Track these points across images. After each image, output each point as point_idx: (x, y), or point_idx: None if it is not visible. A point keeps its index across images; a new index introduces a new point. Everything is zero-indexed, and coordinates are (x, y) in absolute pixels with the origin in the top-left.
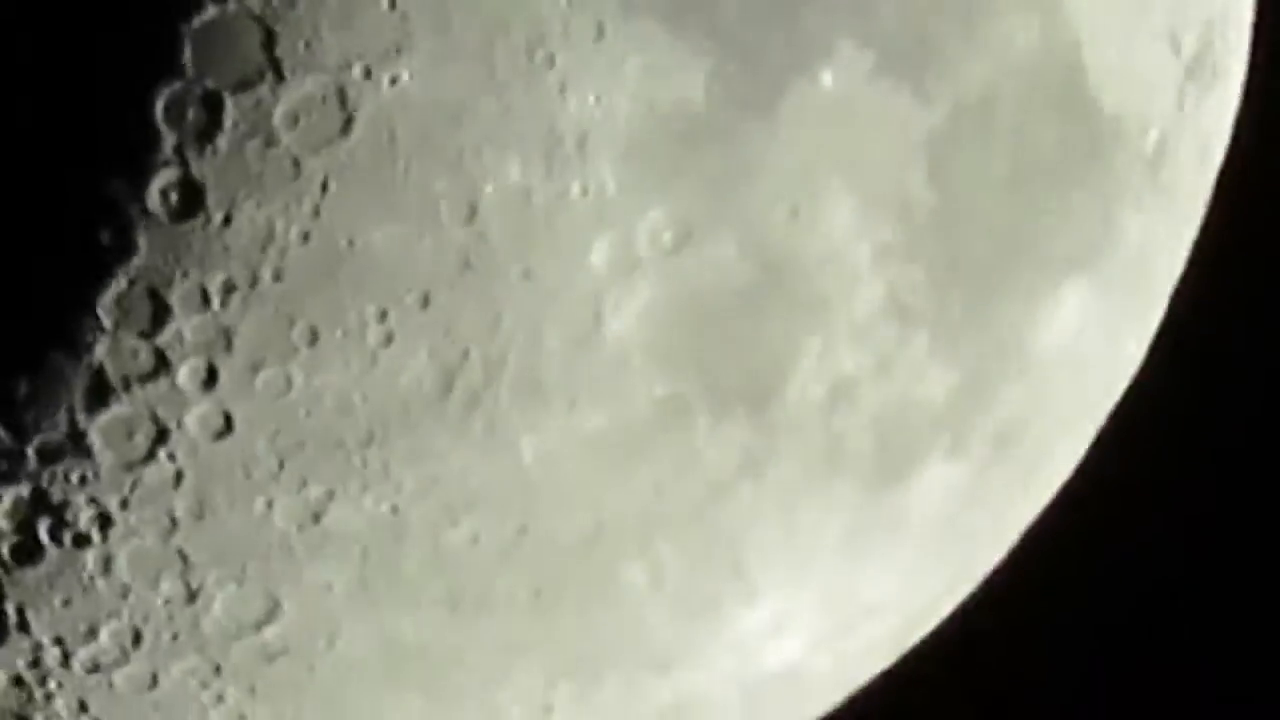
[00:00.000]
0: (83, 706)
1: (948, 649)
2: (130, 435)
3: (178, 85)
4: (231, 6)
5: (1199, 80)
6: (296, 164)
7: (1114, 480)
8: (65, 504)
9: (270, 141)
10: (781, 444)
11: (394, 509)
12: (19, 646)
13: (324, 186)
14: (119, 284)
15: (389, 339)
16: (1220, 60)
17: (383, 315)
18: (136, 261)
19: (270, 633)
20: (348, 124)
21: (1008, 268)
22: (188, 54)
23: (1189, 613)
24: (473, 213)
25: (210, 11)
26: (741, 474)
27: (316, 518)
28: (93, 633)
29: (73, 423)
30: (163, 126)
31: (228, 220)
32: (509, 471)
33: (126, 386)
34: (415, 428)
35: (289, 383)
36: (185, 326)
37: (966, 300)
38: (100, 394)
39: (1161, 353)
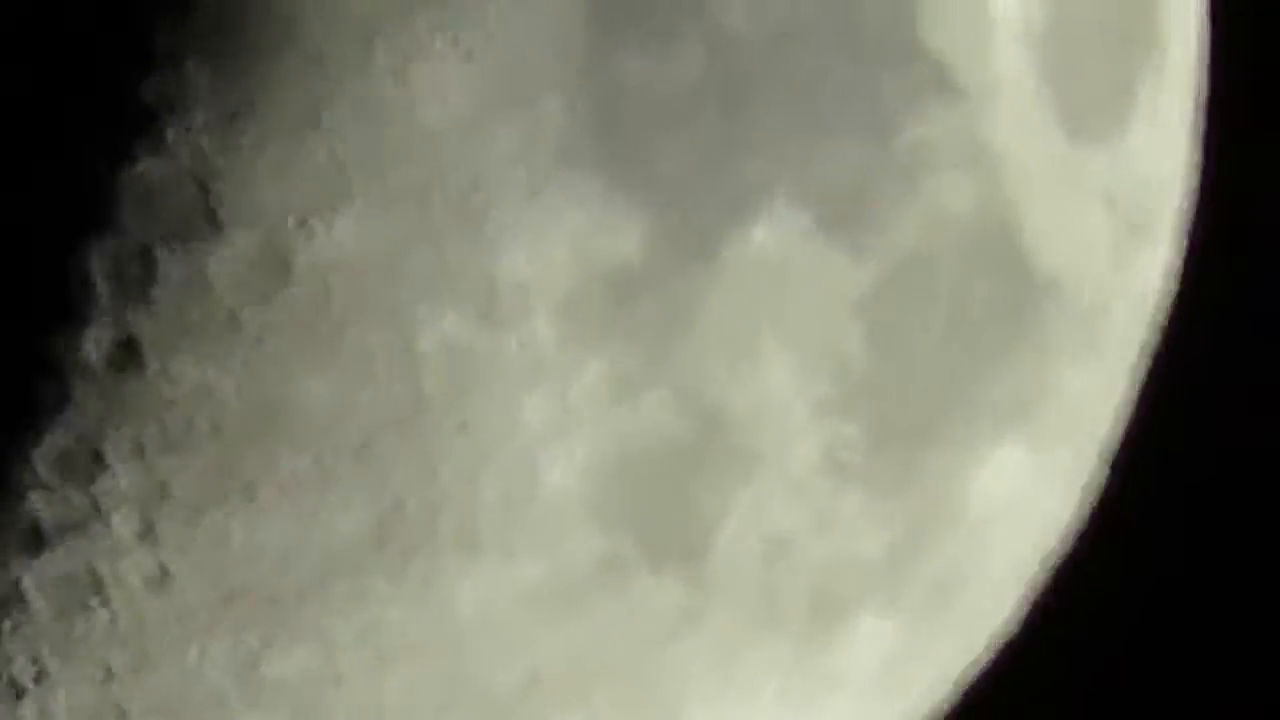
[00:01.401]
0: None
1: None
2: (67, 585)
3: (113, 240)
4: (166, 160)
5: (1136, 237)
6: (233, 317)
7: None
8: (3, 655)
9: (207, 295)
10: (717, 599)
11: (328, 658)
12: None
13: (259, 340)
14: (55, 436)
15: (325, 490)
16: (1157, 217)
17: (320, 466)
18: (72, 414)
19: None
20: (284, 278)
21: (944, 423)
22: (123, 208)
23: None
24: (409, 365)
25: (144, 165)
26: (678, 628)
27: (252, 667)
28: None
29: (8, 573)
30: (99, 280)
31: (164, 373)
32: (445, 621)
33: (62, 537)
34: (353, 577)
35: (226, 534)
36: (122, 478)
37: (903, 455)
38: (36, 544)
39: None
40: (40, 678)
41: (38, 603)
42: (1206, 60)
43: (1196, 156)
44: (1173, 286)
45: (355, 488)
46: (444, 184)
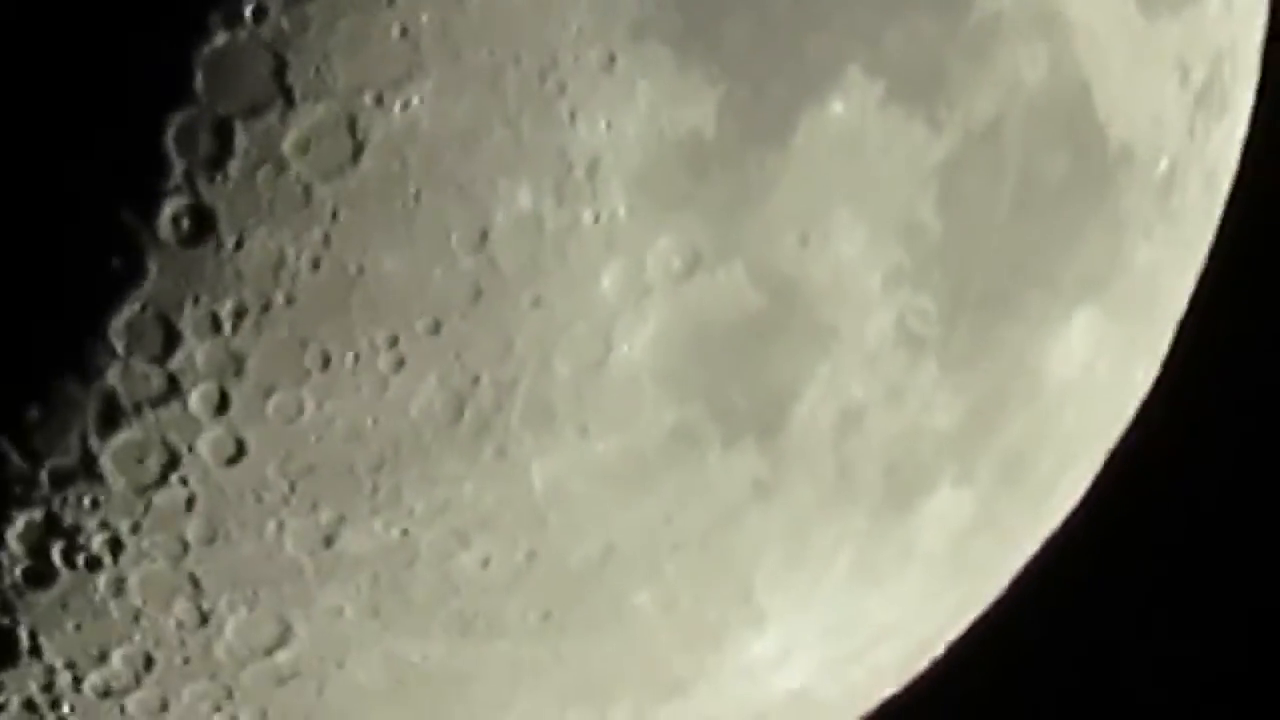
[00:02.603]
0: None
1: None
2: (142, 460)
3: (188, 112)
4: (242, 34)
5: (1208, 109)
6: (307, 191)
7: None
8: (77, 528)
9: (281, 168)
10: (790, 471)
11: (404, 533)
12: (31, 670)
13: (334, 214)
14: (130, 310)
15: (400, 365)
16: (1229, 89)
17: (394, 341)
18: (147, 287)
19: (282, 657)
20: (358, 151)
21: (1016, 294)
22: (199, 81)
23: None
24: (483, 240)
25: (221, 39)
26: (750, 500)
27: (328, 542)
28: (104, 657)
29: (85, 447)
30: (173, 153)
31: (239, 246)
32: (519, 496)
33: (138, 411)
34: (426, 453)
35: (300, 408)
36: (196, 351)
37: (977, 327)
38: (112, 419)
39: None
40: (115, 551)
41: (113, 477)
42: None
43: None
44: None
45: (429, 363)
46: (518, 60)
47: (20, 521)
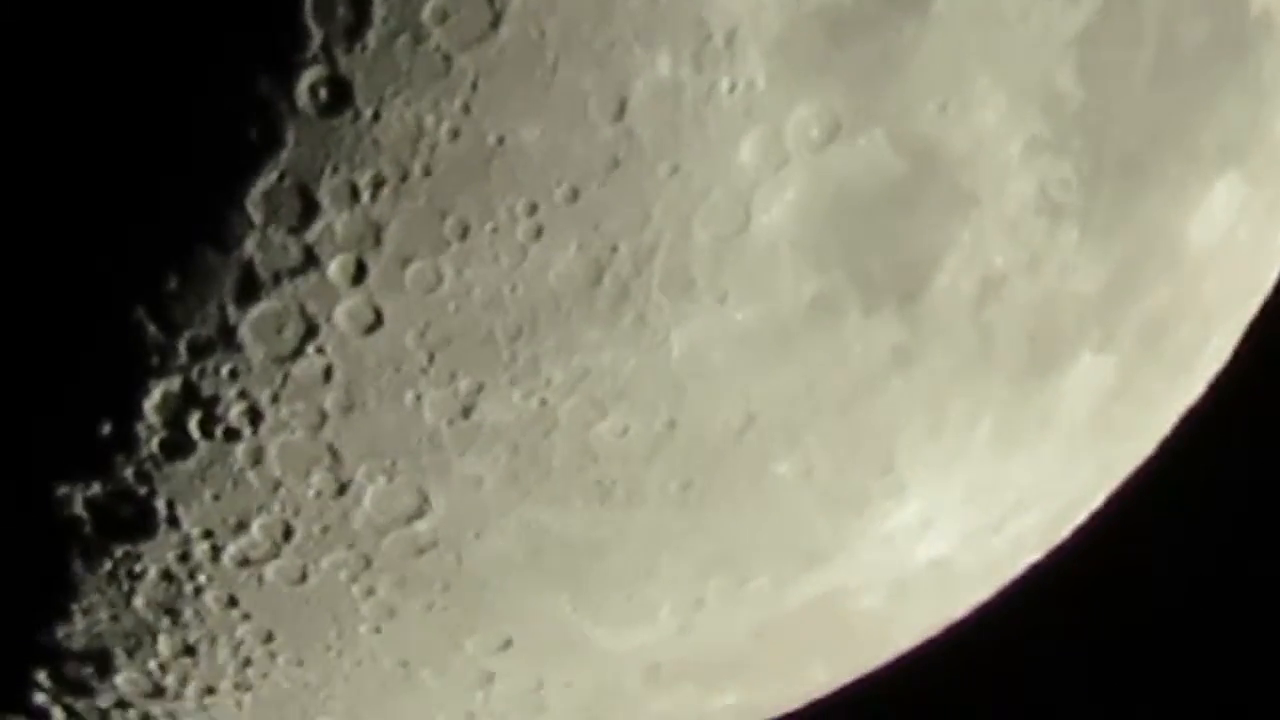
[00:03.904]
0: (232, 600)
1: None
2: (280, 330)
3: None
4: None
5: None
6: (446, 60)
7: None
8: (215, 398)
9: (419, 38)
10: (931, 338)
11: (543, 402)
12: (169, 540)
13: (473, 83)
14: (268, 180)
15: (538, 233)
16: None
17: (532, 209)
18: (285, 157)
19: (420, 526)
20: (496, 20)
21: (1156, 162)
22: None
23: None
24: (621, 109)
25: None
26: (891, 368)
27: (466, 412)
28: (243, 526)
29: (223, 318)
30: (311, 23)
31: (377, 116)
32: (658, 364)
33: (276, 281)
34: (564, 321)
35: (438, 277)
36: (335, 222)
37: (1116, 194)
38: (250, 289)
39: None
40: (255, 421)
41: (252, 348)
42: None
43: None
44: None
45: (568, 232)
46: None
47: (157, 392)
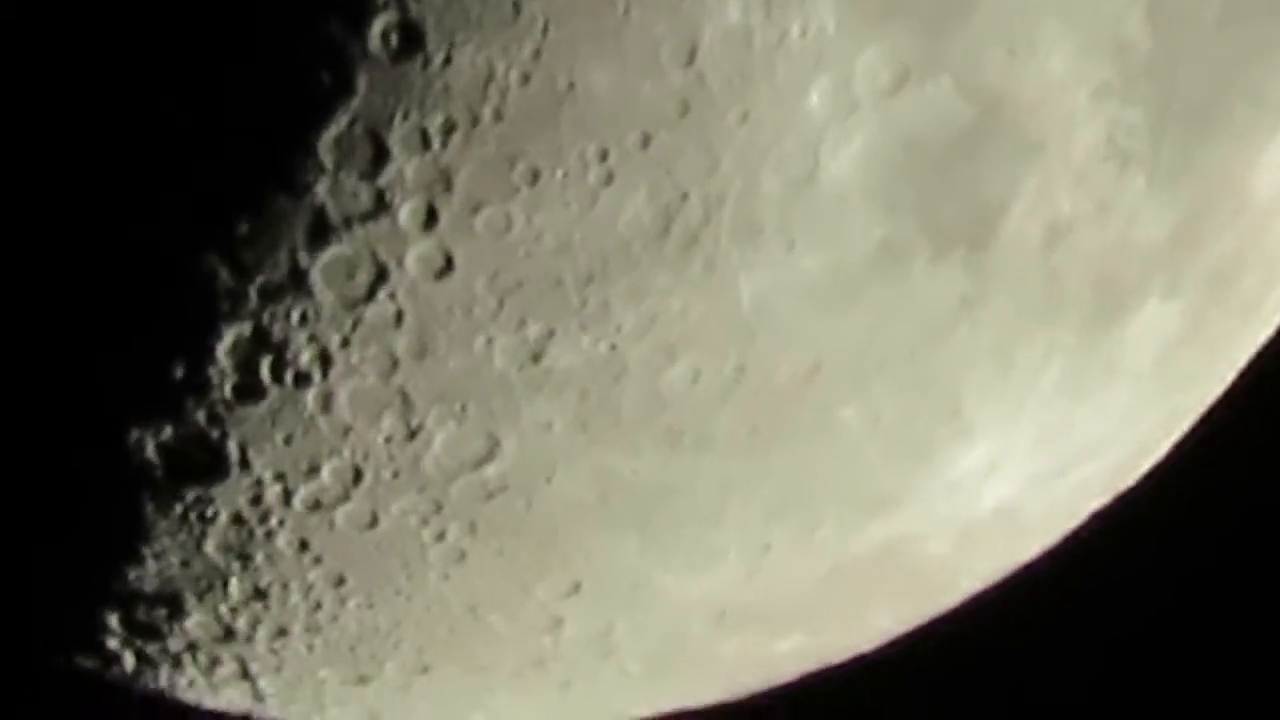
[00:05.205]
0: (303, 544)
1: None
2: (351, 275)
3: None
4: None
5: None
6: (516, 6)
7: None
8: (286, 342)
9: None
10: (998, 285)
11: (613, 347)
12: (240, 484)
13: (544, 29)
14: (339, 125)
15: (609, 179)
16: None
17: (603, 155)
18: (356, 103)
19: (490, 471)
20: None
21: (1224, 109)
22: None
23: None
24: (692, 55)
25: None
26: (958, 315)
27: (536, 357)
28: (314, 471)
29: (294, 262)
30: None
31: (448, 61)
32: (727, 311)
33: (348, 226)
34: (634, 267)
35: (509, 222)
36: (405, 167)
37: (1184, 141)
38: (321, 234)
39: None
40: (325, 366)
41: (323, 292)
42: None
43: None
44: None
45: (638, 178)
46: None
47: (229, 337)
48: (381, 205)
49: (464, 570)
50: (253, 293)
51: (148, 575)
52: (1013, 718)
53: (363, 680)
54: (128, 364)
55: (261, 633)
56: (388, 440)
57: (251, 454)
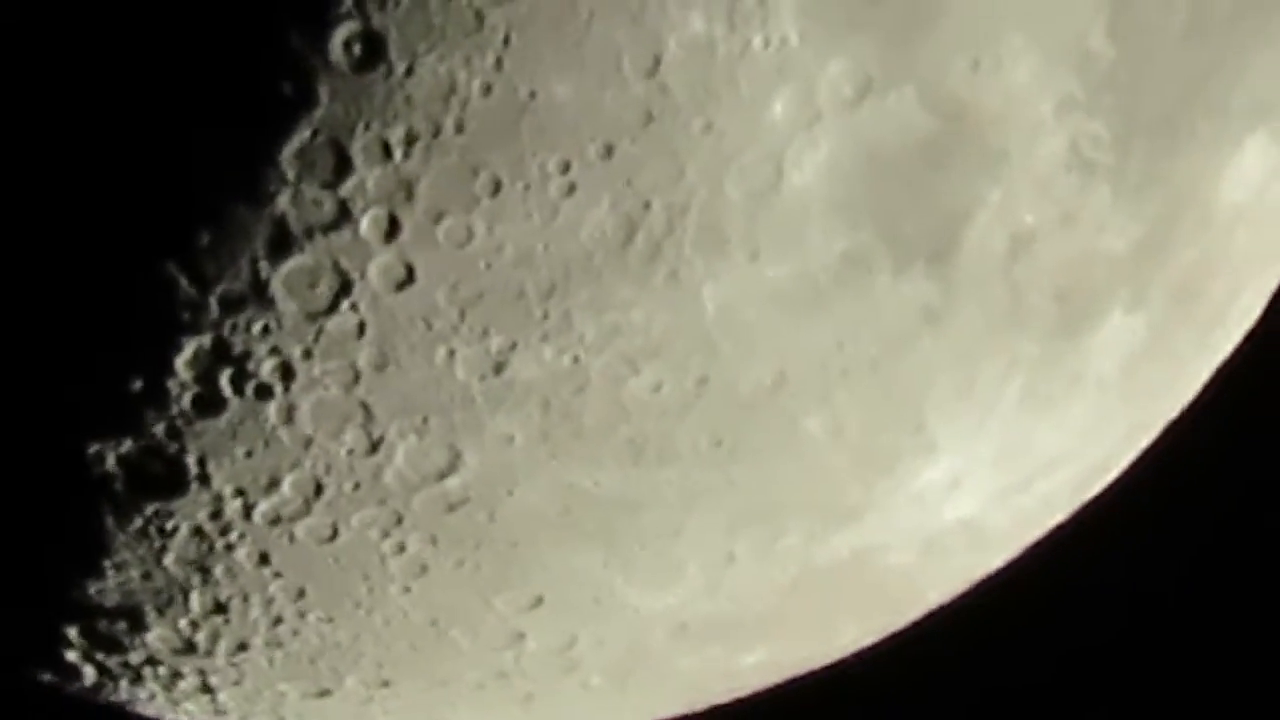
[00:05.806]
0: (264, 558)
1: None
2: (313, 286)
3: None
4: None
5: None
6: (479, 16)
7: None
8: (247, 354)
9: None
10: (962, 296)
11: (575, 359)
12: (200, 498)
13: (506, 39)
14: (301, 135)
15: (571, 190)
16: None
17: (565, 166)
18: (318, 113)
19: (452, 483)
20: None
21: (1189, 120)
22: None
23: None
24: (655, 65)
25: None
26: (921, 326)
27: (498, 369)
28: (274, 484)
29: (255, 273)
30: None
31: (409, 72)
32: (690, 321)
33: (309, 237)
34: (597, 278)
35: (470, 233)
36: (367, 177)
37: (1148, 153)
38: (283, 244)
39: None
40: (287, 378)
41: (285, 303)
42: None
43: None
44: None
45: (600, 188)
46: None
47: (189, 348)
48: (343, 216)
49: (425, 583)
50: (214, 304)
51: (108, 588)
52: None
53: (323, 694)
54: (87, 375)
55: (222, 646)
56: (349, 453)
57: (212, 467)
